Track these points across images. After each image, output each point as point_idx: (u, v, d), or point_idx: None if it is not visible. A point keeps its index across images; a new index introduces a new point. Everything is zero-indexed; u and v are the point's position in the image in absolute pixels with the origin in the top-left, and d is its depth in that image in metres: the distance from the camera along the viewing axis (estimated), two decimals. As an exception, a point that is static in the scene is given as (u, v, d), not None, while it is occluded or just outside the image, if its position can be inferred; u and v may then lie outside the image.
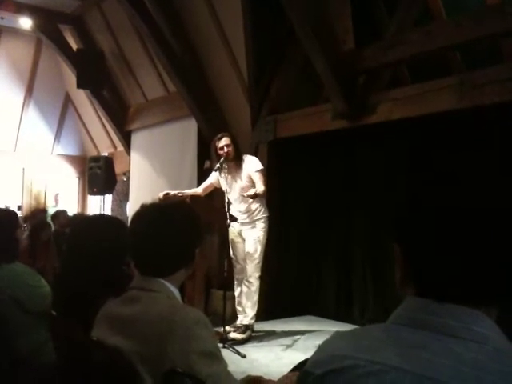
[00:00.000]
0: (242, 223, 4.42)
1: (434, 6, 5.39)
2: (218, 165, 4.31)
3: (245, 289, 4.42)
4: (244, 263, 4.42)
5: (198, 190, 4.64)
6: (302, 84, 5.80)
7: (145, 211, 1.57)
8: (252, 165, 4.35)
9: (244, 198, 4.30)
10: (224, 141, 4.35)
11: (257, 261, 4.36)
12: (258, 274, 4.39)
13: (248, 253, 4.38)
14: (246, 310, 4.41)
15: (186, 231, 1.54)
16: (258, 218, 4.39)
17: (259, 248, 4.36)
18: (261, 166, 4.36)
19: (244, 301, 4.43)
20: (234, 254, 4.49)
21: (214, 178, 4.54)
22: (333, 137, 5.23)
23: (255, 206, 4.38)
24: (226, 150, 4.32)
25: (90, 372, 1.46)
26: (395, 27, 4.93)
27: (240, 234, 4.45)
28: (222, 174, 4.35)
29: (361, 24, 5.14)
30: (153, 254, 1.50)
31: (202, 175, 4.64)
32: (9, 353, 2.20)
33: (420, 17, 5.04)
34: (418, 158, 4.26)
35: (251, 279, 4.39)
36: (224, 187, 4.36)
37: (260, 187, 4.20)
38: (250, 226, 4.40)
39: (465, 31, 3.97)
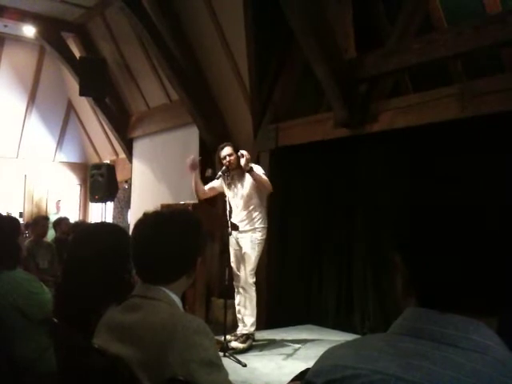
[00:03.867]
0: (241, 231, 4.42)
1: (435, 15, 5.41)
2: (219, 173, 4.33)
3: (241, 297, 4.42)
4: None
5: (205, 187, 4.55)
6: (304, 92, 5.82)
7: (147, 218, 1.57)
8: (256, 169, 4.38)
9: (245, 205, 4.34)
10: (226, 150, 4.39)
11: (250, 267, 4.36)
12: (251, 281, 4.39)
13: (243, 259, 4.38)
14: (244, 318, 4.41)
15: (188, 238, 1.54)
16: (256, 226, 4.40)
17: (254, 255, 4.36)
18: (263, 171, 4.43)
19: (242, 309, 4.43)
20: (233, 262, 4.49)
21: (217, 182, 4.55)
22: (335, 145, 5.24)
23: (255, 214, 4.39)
24: (228, 159, 4.35)
25: (91, 379, 1.46)
26: (396, 35, 4.95)
27: (238, 242, 4.45)
28: (225, 182, 4.37)
29: (362, 32, 5.16)
30: (154, 261, 1.50)
31: (204, 183, 4.63)
32: (9, 359, 2.20)
33: (421, 25, 5.06)
34: (420, 167, 4.26)
35: (245, 286, 4.39)
36: (227, 195, 4.38)
37: (265, 178, 4.31)
38: (248, 234, 4.40)
39: (466, 40, 3.99)
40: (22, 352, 2.23)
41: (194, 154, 7.06)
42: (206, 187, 4.54)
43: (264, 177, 4.35)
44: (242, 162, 4.24)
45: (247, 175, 4.36)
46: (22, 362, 2.23)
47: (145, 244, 1.53)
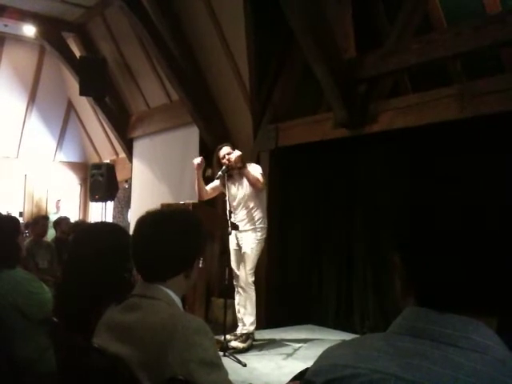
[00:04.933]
0: (241, 231, 4.42)
1: (435, 15, 5.42)
2: (219, 173, 4.33)
3: (240, 297, 4.42)
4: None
5: (207, 188, 4.55)
6: (303, 92, 5.82)
7: (148, 216, 1.58)
8: (254, 169, 4.41)
9: (245, 204, 4.35)
10: (225, 150, 4.41)
11: (249, 267, 4.36)
12: (251, 280, 4.38)
13: (242, 259, 4.39)
14: (244, 317, 4.41)
15: (186, 237, 1.54)
16: (256, 226, 4.40)
17: (253, 255, 4.36)
18: (262, 172, 4.44)
19: (242, 309, 4.43)
20: (233, 261, 4.49)
21: (218, 182, 4.54)
22: (334, 145, 5.24)
23: (255, 213, 4.39)
24: (227, 157, 4.36)
25: (90, 379, 1.46)
26: (396, 35, 4.95)
27: (238, 241, 4.46)
28: (225, 182, 4.37)
29: (362, 32, 5.16)
30: (151, 257, 1.51)
31: (204, 183, 4.62)
32: (9, 359, 2.20)
33: (420, 25, 5.07)
34: (420, 168, 4.26)
35: (244, 285, 4.39)
36: (226, 195, 4.38)
37: (258, 177, 4.33)
38: (248, 234, 4.40)
39: (465, 40, 3.99)
40: (21, 352, 2.23)
41: (193, 154, 7.09)
42: (208, 187, 4.55)
43: (256, 175, 4.35)
44: (232, 156, 4.28)
45: (244, 172, 4.36)
46: (22, 362, 2.23)
47: (143, 241, 1.54)
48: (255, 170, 4.42)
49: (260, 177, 4.37)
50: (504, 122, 3.84)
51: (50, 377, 2.08)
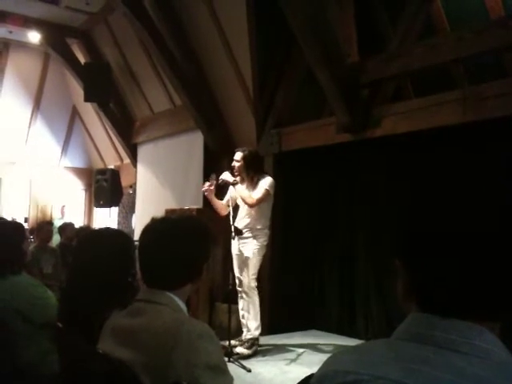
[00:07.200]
0: (243, 237, 4.41)
1: (438, 20, 5.42)
2: (220, 177, 4.34)
3: (244, 302, 4.42)
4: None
5: (223, 203, 4.54)
6: (306, 97, 5.83)
7: (155, 224, 1.57)
8: (263, 182, 4.33)
9: (249, 211, 4.33)
10: (235, 156, 4.41)
11: (252, 272, 4.34)
12: (254, 285, 4.37)
13: (245, 264, 4.37)
14: (248, 322, 4.40)
15: (196, 246, 1.54)
16: (258, 233, 4.38)
17: (255, 260, 4.34)
18: (268, 188, 4.29)
19: (246, 314, 4.42)
20: (236, 266, 4.48)
21: (232, 191, 4.53)
22: (337, 149, 5.24)
23: (259, 221, 4.37)
24: (233, 164, 4.38)
25: (94, 383, 1.47)
26: (398, 40, 4.96)
27: (240, 247, 4.44)
28: (231, 187, 4.37)
29: (364, 36, 5.17)
30: (161, 268, 1.50)
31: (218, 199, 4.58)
32: (11, 363, 2.21)
33: (423, 30, 5.07)
34: (422, 172, 4.25)
35: (248, 290, 4.37)
36: (231, 200, 4.37)
37: (255, 194, 4.25)
38: (249, 240, 4.38)
39: (468, 45, 4.00)
40: (24, 355, 2.24)
41: (197, 159, 7.11)
42: (224, 201, 4.52)
43: (248, 193, 4.28)
44: (235, 164, 4.32)
45: (256, 186, 4.34)
46: (24, 365, 2.23)
47: (151, 249, 1.53)
48: (262, 184, 4.32)
49: (258, 193, 4.27)
50: (507, 126, 3.83)
51: (51, 379, 2.08)
